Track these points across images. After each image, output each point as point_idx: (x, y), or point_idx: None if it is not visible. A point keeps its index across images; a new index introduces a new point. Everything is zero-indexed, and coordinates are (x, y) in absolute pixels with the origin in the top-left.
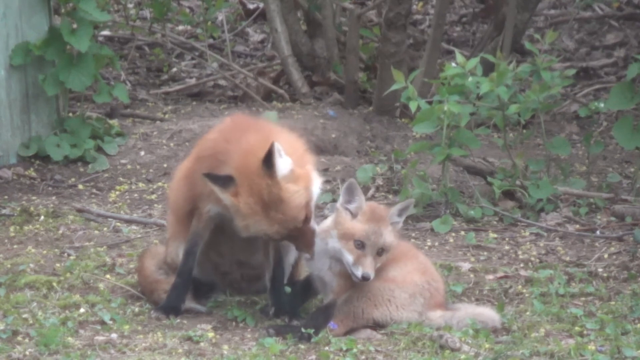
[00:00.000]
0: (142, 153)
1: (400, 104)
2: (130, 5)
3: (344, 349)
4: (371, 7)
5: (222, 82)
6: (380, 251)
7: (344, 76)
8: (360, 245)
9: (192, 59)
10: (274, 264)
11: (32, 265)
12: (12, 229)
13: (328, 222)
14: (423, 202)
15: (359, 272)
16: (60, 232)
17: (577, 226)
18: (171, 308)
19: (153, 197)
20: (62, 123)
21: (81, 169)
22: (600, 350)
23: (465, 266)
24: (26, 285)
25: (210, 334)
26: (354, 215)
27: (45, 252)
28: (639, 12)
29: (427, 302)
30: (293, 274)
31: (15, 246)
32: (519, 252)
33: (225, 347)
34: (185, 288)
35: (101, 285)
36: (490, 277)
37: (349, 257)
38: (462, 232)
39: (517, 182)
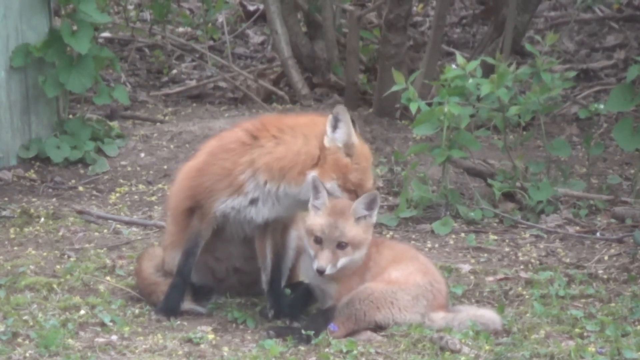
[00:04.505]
0: (142, 155)
1: (400, 105)
2: (130, 7)
3: (344, 350)
4: (371, 8)
5: (222, 84)
6: (343, 245)
7: (344, 78)
8: (318, 240)
9: (192, 60)
10: (272, 266)
11: (32, 267)
12: (12, 230)
13: None
14: (423, 204)
15: (314, 265)
16: (61, 233)
17: (577, 228)
18: (170, 309)
19: (153, 198)
20: (62, 125)
21: (81, 171)
22: (601, 352)
23: (466, 268)
24: (26, 287)
25: (211, 336)
26: (319, 211)
27: (45, 253)
28: (639, 14)
29: (430, 304)
30: (291, 276)
31: (15, 248)
32: (519, 254)
33: (226, 348)
34: (184, 288)
35: (101, 287)
36: (491, 278)
37: (311, 252)
38: (462, 234)
39: (517, 184)
